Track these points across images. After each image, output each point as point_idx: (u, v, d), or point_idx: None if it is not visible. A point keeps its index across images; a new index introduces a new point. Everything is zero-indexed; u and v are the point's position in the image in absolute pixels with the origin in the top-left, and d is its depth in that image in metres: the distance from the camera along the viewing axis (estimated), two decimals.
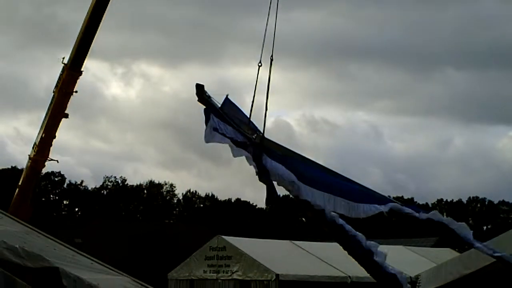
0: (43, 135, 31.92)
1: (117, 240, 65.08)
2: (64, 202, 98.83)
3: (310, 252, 39.02)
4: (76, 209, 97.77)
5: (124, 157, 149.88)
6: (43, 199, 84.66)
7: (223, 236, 40.70)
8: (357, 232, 13.26)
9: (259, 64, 12.30)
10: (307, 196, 12.09)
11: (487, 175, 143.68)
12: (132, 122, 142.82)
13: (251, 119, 12.02)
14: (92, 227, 74.36)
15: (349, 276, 36.31)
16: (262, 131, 11.85)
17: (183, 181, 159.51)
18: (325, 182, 12.36)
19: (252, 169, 11.79)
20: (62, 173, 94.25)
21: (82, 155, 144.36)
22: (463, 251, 50.26)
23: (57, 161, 34.10)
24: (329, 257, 34.75)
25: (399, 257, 40.36)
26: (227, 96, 11.96)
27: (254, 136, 11.83)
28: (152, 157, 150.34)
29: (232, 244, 38.75)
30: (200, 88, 11.52)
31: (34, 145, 32.58)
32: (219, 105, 11.73)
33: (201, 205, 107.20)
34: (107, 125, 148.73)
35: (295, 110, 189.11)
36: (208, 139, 11.54)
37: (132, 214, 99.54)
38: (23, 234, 8.06)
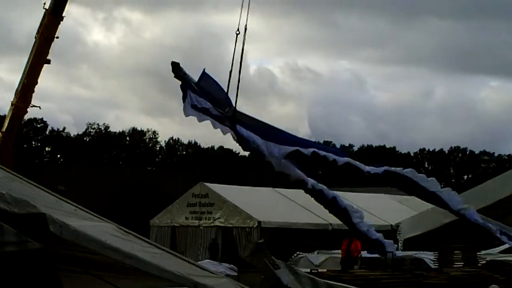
0: (25, 81, 31.77)
1: (100, 187, 65.14)
2: (46, 149, 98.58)
3: (292, 200, 39.26)
4: (58, 156, 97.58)
5: (106, 104, 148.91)
6: (25, 145, 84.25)
7: (206, 183, 40.88)
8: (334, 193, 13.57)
9: (237, 32, 12.30)
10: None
11: (469, 125, 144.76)
12: (114, 69, 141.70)
13: (228, 92, 12.12)
14: (74, 174, 74.30)
15: (331, 224, 36.64)
16: (235, 105, 11.97)
17: (166, 128, 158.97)
18: (294, 141, 12.50)
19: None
20: (44, 119, 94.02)
21: (63, 101, 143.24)
22: None
23: (39, 107, 33.97)
24: (311, 205, 34.90)
25: (380, 206, 40.95)
26: (204, 70, 12.05)
27: (226, 110, 11.92)
28: (134, 104, 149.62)
29: (215, 191, 38.97)
30: (175, 66, 11.59)
31: (16, 91, 32.42)
32: (195, 80, 11.80)
33: (184, 152, 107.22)
34: (88, 72, 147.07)
35: (278, 58, 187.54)
36: (187, 114, 11.68)
37: (114, 161, 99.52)
38: (7, 180, 8.06)
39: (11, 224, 6.03)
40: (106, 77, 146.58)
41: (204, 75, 12.10)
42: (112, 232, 8.12)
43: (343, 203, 14.30)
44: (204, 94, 11.82)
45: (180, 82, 11.80)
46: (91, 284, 8.48)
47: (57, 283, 6.49)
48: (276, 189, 41.78)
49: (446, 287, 16.74)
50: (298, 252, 31.74)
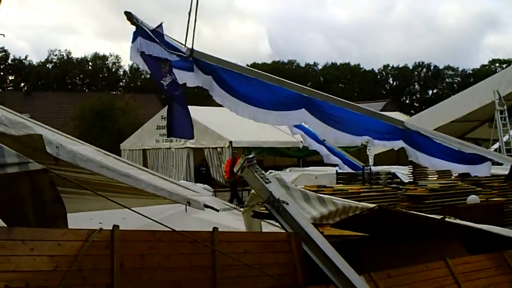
0: None
1: (66, 113, 64.77)
2: (10, 78, 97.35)
3: None
4: (22, 84, 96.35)
5: (61, 30, 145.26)
6: None
7: None
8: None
9: None
10: (232, 109, 12.15)
11: (431, 40, 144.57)
12: None
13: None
14: (39, 101, 73.67)
15: (301, 141, 36.84)
16: (192, 45, 11.81)
17: (127, 52, 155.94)
18: (253, 97, 12.24)
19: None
20: (5, 48, 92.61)
21: (18, 28, 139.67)
22: (412, 115, 51.29)
23: (3, 35, 33.63)
24: None
25: None
26: (161, 23, 11.90)
27: (184, 51, 11.78)
28: (91, 29, 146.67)
29: None
30: (128, 15, 11.46)
31: None
32: (151, 27, 11.69)
33: (148, 76, 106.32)
34: None
35: None
36: (131, 58, 11.66)
37: (79, 87, 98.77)
38: None
39: (10, 146, 5.98)
40: (59, 1, 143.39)
41: (161, 26, 11.95)
42: (98, 153, 8.13)
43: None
44: (159, 38, 11.68)
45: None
46: (89, 204, 8.53)
47: (59, 203, 6.50)
48: None
49: (426, 198, 17.04)
50: (270, 170, 31.91)
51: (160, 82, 11.71)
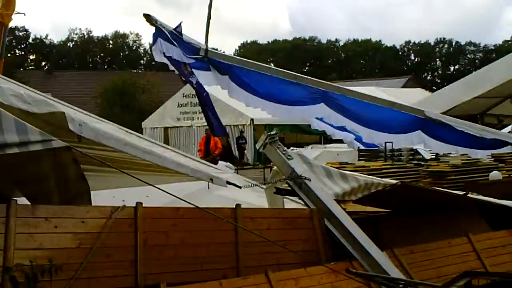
0: None
1: (86, 92, 64.93)
2: (31, 57, 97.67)
3: None
4: (43, 64, 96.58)
5: (82, 8, 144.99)
6: (9, 55, 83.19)
7: None
8: None
9: None
10: (252, 106, 12.28)
11: (453, 16, 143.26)
12: None
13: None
14: (61, 79, 73.93)
15: None
16: (206, 45, 11.88)
17: (147, 30, 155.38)
18: (272, 94, 12.31)
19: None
20: (26, 27, 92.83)
21: (39, 7, 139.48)
22: (433, 91, 50.97)
23: (24, 14, 33.55)
24: None
25: None
26: (180, 23, 11.96)
27: (200, 52, 11.87)
28: (111, 7, 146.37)
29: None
30: (147, 17, 11.58)
31: None
32: (170, 28, 11.77)
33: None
34: None
35: None
36: (158, 60, 11.83)
37: (99, 66, 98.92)
38: (15, 86, 7.99)
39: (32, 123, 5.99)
40: None
41: (180, 26, 12.05)
42: (120, 131, 8.13)
43: None
44: (178, 39, 11.80)
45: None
46: (111, 181, 8.56)
47: (83, 180, 6.53)
48: None
49: (448, 174, 16.96)
50: (292, 148, 31.85)
51: (189, 80, 11.89)
